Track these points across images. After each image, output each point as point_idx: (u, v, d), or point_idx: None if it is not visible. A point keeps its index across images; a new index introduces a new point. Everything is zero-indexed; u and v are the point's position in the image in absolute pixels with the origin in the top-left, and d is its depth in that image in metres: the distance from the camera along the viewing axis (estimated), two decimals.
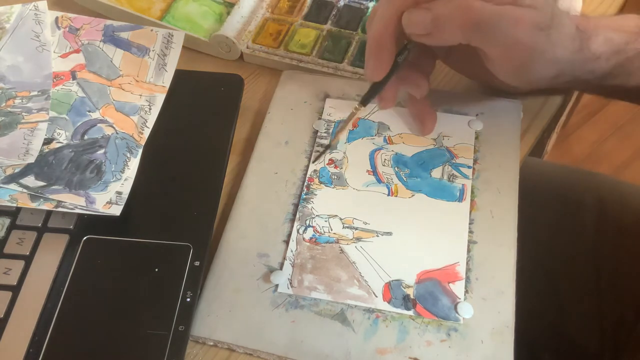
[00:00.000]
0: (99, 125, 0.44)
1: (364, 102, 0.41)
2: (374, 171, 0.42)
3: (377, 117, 0.45)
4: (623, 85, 0.42)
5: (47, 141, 0.42)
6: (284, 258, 0.38)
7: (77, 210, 0.38)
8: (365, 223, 0.39)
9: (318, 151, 0.43)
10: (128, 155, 0.42)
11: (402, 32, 0.38)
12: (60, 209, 0.38)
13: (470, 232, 0.39)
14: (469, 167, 0.42)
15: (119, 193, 0.39)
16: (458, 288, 0.36)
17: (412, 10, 0.37)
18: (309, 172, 0.42)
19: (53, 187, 0.39)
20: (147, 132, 0.43)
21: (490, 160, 0.42)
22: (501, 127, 0.43)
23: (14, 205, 0.38)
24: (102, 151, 0.42)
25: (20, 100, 0.44)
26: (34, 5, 0.49)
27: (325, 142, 0.44)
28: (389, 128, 0.44)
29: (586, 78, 0.40)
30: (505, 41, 0.36)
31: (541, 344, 0.53)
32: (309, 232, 0.39)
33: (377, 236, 0.39)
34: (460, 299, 0.36)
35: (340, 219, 0.40)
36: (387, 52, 0.38)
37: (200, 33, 0.51)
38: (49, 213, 0.40)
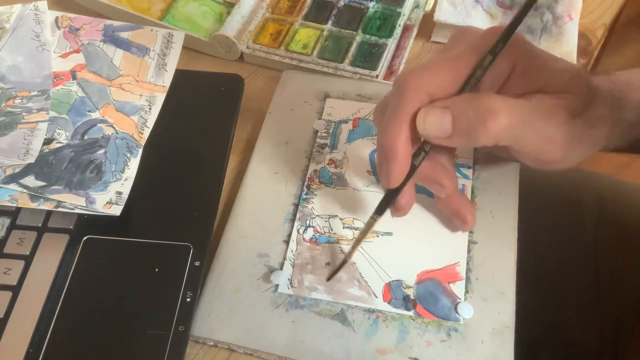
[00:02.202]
0: (99, 125, 0.43)
1: (380, 211, 0.36)
2: (374, 171, 0.42)
3: None
4: None
5: (47, 141, 0.42)
6: (284, 258, 0.38)
7: (77, 210, 0.38)
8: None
9: (318, 151, 0.43)
10: (128, 155, 0.42)
11: (418, 132, 0.33)
12: (60, 209, 0.38)
13: (471, 232, 0.39)
14: (469, 167, 0.42)
15: (119, 193, 0.39)
16: (458, 288, 0.36)
17: (427, 110, 0.32)
18: (309, 172, 0.42)
19: (53, 187, 0.39)
20: (147, 132, 0.43)
21: (490, 160, 0.42)
22: None
23: (14, 205, 0.38)
24: (102, 151, 0.42)
25: (20, 100, 0.44)
26: (34, 5, 0.49)
27: (326, 141, 0.44)
28: None
29: (622, 145, 0.37)
30: (538, 140, 0.32)
31: (541, 344, 0.53)
32: (309, 232, 0.39)
33: (377, 236, 0.39)
34: (460, 299, 0.36)
35: (341, 219, 0.40)
36: (402, 157, 0.33)
37: (200, 33, 0.51)
38: (49, 213, 0.40)
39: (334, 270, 0.37)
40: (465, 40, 0.34)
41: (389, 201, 0.36)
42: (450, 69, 0.33)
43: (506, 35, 0.32)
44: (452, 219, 0.39)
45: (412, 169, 0.34)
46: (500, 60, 0.33)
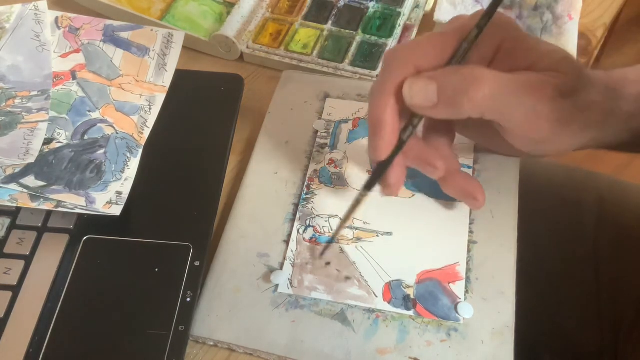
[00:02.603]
0: (99, 125, 0.43)
1: (369, 186, 0.36)
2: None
3: None
4: None
5: (47, 141, 0.42)
6: (284, 258, 0.38)
7: (77, 210, 0.38)
8: (366, 223, 0.39)
9: (318, 151, 0.43)
10: (128, 155, 0.42)
11: (405, 105, 0.34)
12: (60, 209, 0.38)
13: (471, 232, 0.39)
14: (469, 167, 0.42)
15: (119, 193, 0.39)
16: (458, 288, 0.36)
17: (413, 79, 0.33)
18: (309, 172, 0.42)
19: (53, 187, 0.39)
20: (147, 132, 0.43)
21: (490, 160, 0.42)
22: None
23: (14, 205, 0.38)
24: (102, 151, 0.42)
25: (20, 100, 0.44)
26: (34, 5, 0.49)
27: (326, 141, 0.44)
28: None
29: (619, 138, 0.37)
30: (524, 114, 0.32)
31: (541, 344, 0.53)
32: (309, 232, 0.39)
33: (378, 236, 0.39)
34: (460, 299, 0.36)
35: (341, 219, 0.40)
36: (389, 128, 0.34)
37: (200, 33, 0.51)
38: (49, 213, 0.40)
39: (325, 247, 0.38)
40: (455, 22, 0.35)
41: (378, 176, 0.36)
42: (437, 44, 0.34)
43: (491, 9, 0.33)
44: (463, 200, 0.39)
45: (400, 143, 0.34)
46: (486, 37, 0.33)
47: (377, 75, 0.48)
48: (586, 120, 0.34)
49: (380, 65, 0.35)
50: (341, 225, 0.37)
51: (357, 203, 0.36)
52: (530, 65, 0.33)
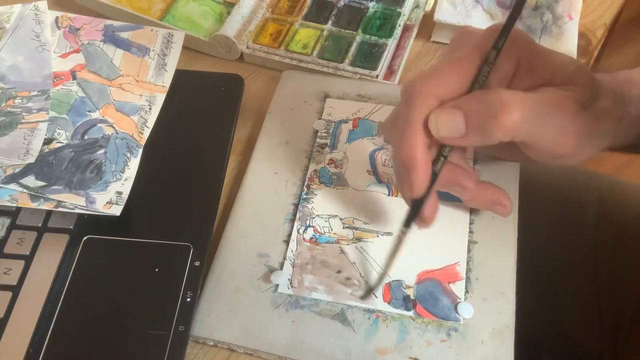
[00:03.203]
0: (99, 125, 0.43)
1: (408, 223, 0.35)
2: (374, 171, 0.42)
3: (377, 117, 0.45)
4: None
5: (47, 141, 0.42)
6: (284, 258, 0.38)
7: (77, 210, 0.38)
8: (366, 223, 0.39)
9: (318, 151, 0.43)
10: (128, 155, 0.42)
11: (433, 138, 0.33)
12: (60, 209, 0.38)
13: (470, 232, 0.39)
14: None
15: (119, 193, 0.39)
16: (458, 288, 0.36)
17: (438, 111, 0.32)
18: (309, 172, 0.42)
19: (53, 187, 0.39)
20: (147, 132, 0.43)
21: (490, 160, 0.42)
22: None
23: (14, 205, 0.38)
24: (102, 151, 0.42)
25: (20, 100, 0.44)
26: (34, 5, 0.49)
27: (326, 141, 0.44)
28: None
29: (627, 141, 0.37)
30: (553, 133, 0.32)
31: (541, 344, 0.53)
32: (309, 232, 0.39)
33: (378, 236, 0.39)
34: (460, 299, 0.36)
35: (341, 219, 0.40)
36: (422, 164, 0.33)
37: (200, 33, 0.51)
38: (49, 213, 0.40)
39: (369, 289, 0.36)
40: (467, 41, 0.34)
41: (416, 212, 0.35)
42: (456, 71, 0.33)
43: (506, 28, 0.32)
44: (491, 210, 0.38)
45: (434, 176, 0.34)
46: (504, 56, 0.32)
47: (377, 76, 0.48)
48: (603, 129, 0.34)
49: (400, 100, 0.34)
50: (384, 273, 0.36)
51: (399, 242, 0.36)
52: (548, 79, 0.33)
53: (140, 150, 0.42)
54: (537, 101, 0.32)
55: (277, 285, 0.37)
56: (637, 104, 0.36)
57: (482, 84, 0.33)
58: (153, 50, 0.48)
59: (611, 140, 0.36)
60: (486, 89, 0.33)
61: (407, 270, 0.37)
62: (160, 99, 0.45)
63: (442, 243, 0.38)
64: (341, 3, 0.53)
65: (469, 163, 0.41)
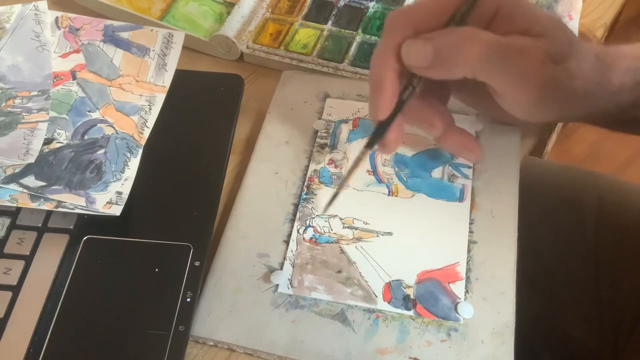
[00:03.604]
0: (99, 125, 0.43)
1: (370, 144, 0.37)
2: (374, 171, 0.42)
3: None
4: None
5: (47, 141, 0.42)
6: (284, 258, 0.38)
7: (77, 210, 0.38)
8: (366, 223, 0.39)
9: (318, 151, 0.43)
10: (128, 155, 0.42)
11: (405, 67, 0.35)
12: (60, 209, 0.38)
13: (471, 232, 0.39)
14: (469, 167, 0.42)
15: (119, 193, 0.39)
16: (458, 288, 0.36)
17: (411, 41, 0.34)
18: (309, 172, 0.42)
19: (53, 187, 0.39)
20: (147, 132, 0.43)
21: (490, 160, 0.42)
22: (501, 127, 0.43)
23: (14, 205, 0.38)
24: (102, 151, 0.42)
25: (20, 100, 0.44)
26: (34, 5, 0.49)
27: (326, 141, 0.44)
28: None
29: (606, 110, 0.38)
30: (514, 76, 0.33)
31: (541, 344, 0.53)
32: (309, 232, 0.39)
33: (378, 236, 0.39)
34: (460, 299, 0.36)
35: (341, 219, 0.40)
36: (389, 87, 0.35)
37: (200, 33, 0.51)
38: (49, 213, 0.40)
39: (330, 201, 0.38)
40: None
41: (379, 134, 0.37)
42: (435, 6, 0.35)
43: None
44: (459, 155, 0.41)
45: (400, 103, 0.36)
46: (484, 1, 0.34)
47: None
48: (574, 88, 0.35)
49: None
50: (344, 180, 0.38)
51: (358, 161, 0.37)
52: (525, 29, 0.34)
53: (140, 150, 0.42)
54: (502, 43, 0.33)
55: (277, 285, 0.37)
56: (621, 74, 0.36)
57: (458, 22, 0.34)
58: (153, 50, 0.48)
59: (585, 104, 0.36)
60: (458, 27, 0.34)
61: (407, 270, 0.37)
62: (160, 99, 0.45)
63: (442, 243, 0.38)
64: (341, 3, 0.53)
65: (469, 163, 0.41)
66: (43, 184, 0.40)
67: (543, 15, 0.35)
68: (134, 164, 0.41)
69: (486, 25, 0.35)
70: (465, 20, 0.34)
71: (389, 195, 0.41)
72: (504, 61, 0.33)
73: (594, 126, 0.42)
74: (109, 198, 0.39)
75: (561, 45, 0.34)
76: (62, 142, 0.42)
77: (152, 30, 0.48)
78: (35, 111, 0.44)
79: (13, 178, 0.39)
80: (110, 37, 0.48)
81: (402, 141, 0.39)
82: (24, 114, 0.44)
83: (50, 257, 0.38)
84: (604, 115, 0.38)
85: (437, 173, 0.41)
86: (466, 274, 0.37)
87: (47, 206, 0.38)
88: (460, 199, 0.40)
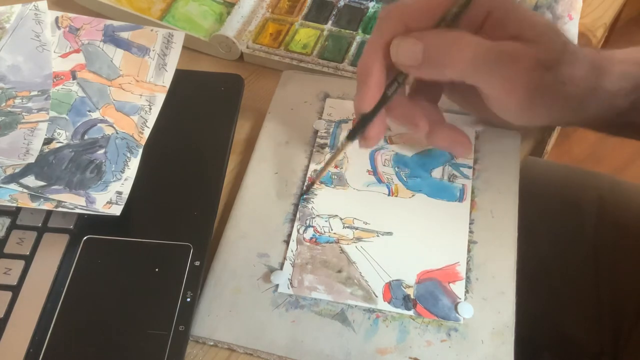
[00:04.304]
0: (99, 125, 0.43)
1: (351, 136, 0.38)
2: (374, 171, 0.42)
3: None
4: None
5: (47, 141, 0.42)
6: (284, 258, 0.38)
7: (77, 210, 0.38)
8: (366, 223, 0.39)
9: (318, 151, 0.43)
10: (128, 155, 0.42)
11: (393, 63, 0.35)
12: (60, 209, 0.38)
13: (471, 232, 0.39)
14: (469, 167, 0.42)
15: (119, 193, 0.39)
16: (458, 288, 0.36)
17: (401, 38, 0.34)
18: (309, 172, 0.42)
19: (53, 187, 0.39)
20: (147, 132, 0.43)
21: (490, 160, 0.42)
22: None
23: (14, 205, 0.38)
24: (102, 151, 0.42)
25: (20, 100, 0.44)
26: (34, 5, 0.49)
27: (326, 141, 0.44)
28: (389, 128, 0.44)
29: (602, 115, 0.37)
30: (503, 81, 0.34)
31: (541, 344, 0.53)
32: (309, 232, 0.39)
33: (378, 236, 0.39)
34: (460, 299, 0.36)
35: (341, 219, 0.40)
36: (375, 80, 0.35)
37: (200, 33, 0.51)
38: (49, 213, 0.40)
39: (308, 186, 0.40)
40: None
41: (361, 127, 0.37)
42: (428, 5, 0.35)
43: None
44: (451, 150, 0.41)
45: (384, 97, 0.36)
46: (477, 4, 0.34)
47: None
48: (566, 94, 0.35)
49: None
50: (324, 169, 0.40)
51: (338, 152, 0.39)
52: (517, 34, 0.34)
53: (140, 150, 0.42)
54: (492, 48, 0.33)
55: (277, 285, 0.37)
56: (615, 79, 0.36)
57: (449, 23, 0.34)
58: (153, 50, 0.48)
59: (579, 109, 0.36)
60: (450, 29, 0.34)
61: (407, 270, 0.37)
62: (160, 99, 0.45)
63: (442, 243, 0.38)
64: (341, 3, 0.53)
65: (469, 163, 0.41)
66: (43, 183, 0.40)
67: (536, 20, 0.35)
68: (134, 163, 0.41)
69: (478, 28, 0.35)
70: (458, 22, 0.34)
71: (389, 195, 0.41)
72: (493, 66, 0.33)
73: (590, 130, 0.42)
74: (109, 198, 0.39)
75: (553, 52, 0.34)
76: (62, 142, 0.42)
77: (152, 30, 0.48)
78: (35, 111, 0.44)
79: (13, 178, 0.39)
80: (110, 37, 0.48)
81: (383, 137, 0.39)
82: (24, 114, 0.44)
83: (50, 257, 0.38)
84: (599, 120, 0.38)
85: (437, 173, 0.41)
86: (466, 274, 0.37)
87: (47, 206, 0.38)
88: (460, 199, 0.40)
